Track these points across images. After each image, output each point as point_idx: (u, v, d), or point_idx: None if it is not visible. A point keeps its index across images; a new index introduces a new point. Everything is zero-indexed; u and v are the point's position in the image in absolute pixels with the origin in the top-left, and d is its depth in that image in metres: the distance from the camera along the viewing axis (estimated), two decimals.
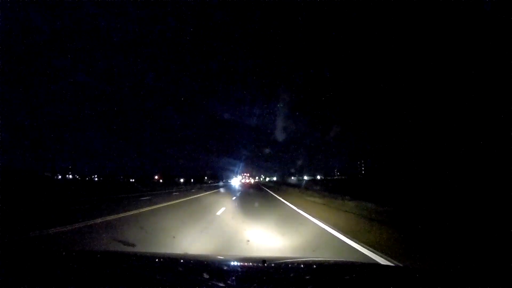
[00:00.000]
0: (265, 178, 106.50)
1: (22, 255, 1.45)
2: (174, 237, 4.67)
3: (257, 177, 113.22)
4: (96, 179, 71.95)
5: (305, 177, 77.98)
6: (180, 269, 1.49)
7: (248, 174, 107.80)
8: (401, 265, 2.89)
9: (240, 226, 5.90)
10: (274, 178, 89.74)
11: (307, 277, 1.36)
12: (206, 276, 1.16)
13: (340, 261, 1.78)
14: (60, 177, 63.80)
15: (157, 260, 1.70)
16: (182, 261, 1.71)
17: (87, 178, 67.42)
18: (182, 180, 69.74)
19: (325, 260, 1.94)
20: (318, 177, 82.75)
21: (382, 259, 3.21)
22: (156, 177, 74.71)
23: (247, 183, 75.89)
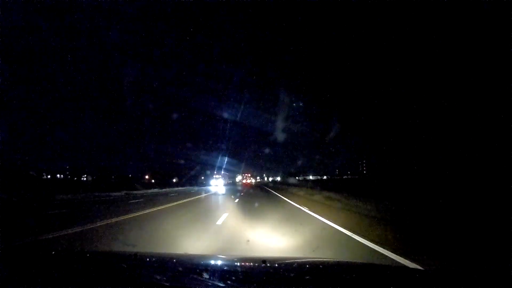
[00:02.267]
0: (268, 178, 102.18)
1: (22, 256, 1.40)
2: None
3: (258, 177, 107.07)
4: (84, 178, 69.72)
5: (311, 177, 77.54)
6: (180, 269, 1.47)
7: (249, 174, 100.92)
8: (401, 265, 2.94)
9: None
10: (278, 178, 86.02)
11: (307, 277, 1.36)
12: (206, 276, 1.15)
13: (340, 261, 1.79)
14: (49, 176, 61.52)
15: (157, 260, 1.67)
16: (182, 261, 1.69)
17: (75, 178, 65.23)
18: (174, 180, 68.56)
19: (326, 260, 1.95)
20: (325, 177, 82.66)
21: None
22: (147, 176, 73.10)
23: (248, 183, 71.67)
